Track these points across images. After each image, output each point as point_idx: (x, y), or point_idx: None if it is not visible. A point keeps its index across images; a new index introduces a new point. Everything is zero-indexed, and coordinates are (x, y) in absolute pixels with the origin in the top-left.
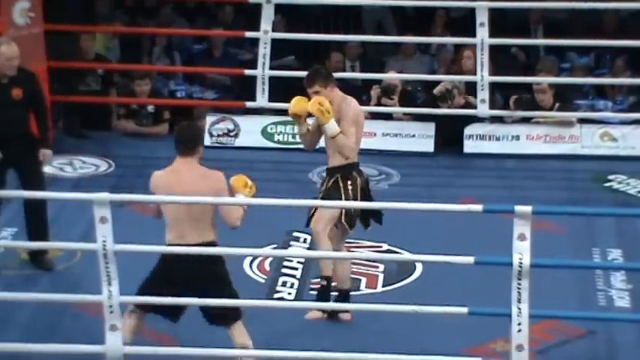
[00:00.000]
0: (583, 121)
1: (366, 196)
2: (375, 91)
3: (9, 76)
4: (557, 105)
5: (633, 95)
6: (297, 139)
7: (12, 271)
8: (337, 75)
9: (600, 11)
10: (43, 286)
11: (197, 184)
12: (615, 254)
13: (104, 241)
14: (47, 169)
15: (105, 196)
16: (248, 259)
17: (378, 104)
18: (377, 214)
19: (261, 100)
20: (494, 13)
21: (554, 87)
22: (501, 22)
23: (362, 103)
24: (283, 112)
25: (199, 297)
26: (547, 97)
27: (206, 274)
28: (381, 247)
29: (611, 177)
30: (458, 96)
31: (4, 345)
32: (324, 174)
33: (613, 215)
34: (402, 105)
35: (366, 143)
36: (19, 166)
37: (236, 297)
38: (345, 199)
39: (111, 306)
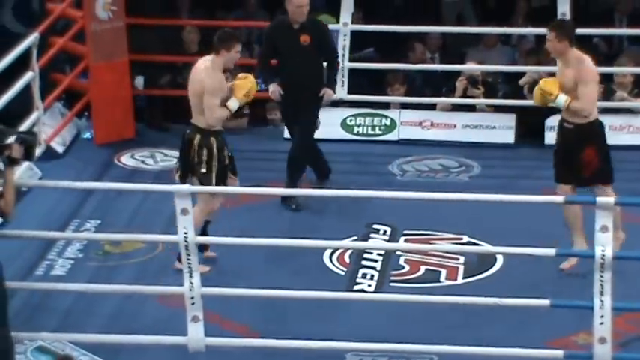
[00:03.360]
0: None
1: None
2: (461, 82)
3: (299, 22)
4: (635, 91)
5: None
6: (377, 131)
7: (95, 262)
8: (419, 66)
9: None
10: (125, 278)
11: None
12: None
13: (185, 233)
14: (129, 162)
15: (186, 188)
16: (328, 252)
17: (464, 95)
18: None
19: (341, 92)
20: (577, 3)
21: (634, 78)
22: (584, 11)
23: (443, 94)
24: (363, 104)
25: None
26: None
27: None
28: (461, 239)
29: None
30: None
31: (87, 336)
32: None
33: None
34: (483, 96)
35: (446, 135)
36: (299, 114)
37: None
38: None
39: (192, 297)
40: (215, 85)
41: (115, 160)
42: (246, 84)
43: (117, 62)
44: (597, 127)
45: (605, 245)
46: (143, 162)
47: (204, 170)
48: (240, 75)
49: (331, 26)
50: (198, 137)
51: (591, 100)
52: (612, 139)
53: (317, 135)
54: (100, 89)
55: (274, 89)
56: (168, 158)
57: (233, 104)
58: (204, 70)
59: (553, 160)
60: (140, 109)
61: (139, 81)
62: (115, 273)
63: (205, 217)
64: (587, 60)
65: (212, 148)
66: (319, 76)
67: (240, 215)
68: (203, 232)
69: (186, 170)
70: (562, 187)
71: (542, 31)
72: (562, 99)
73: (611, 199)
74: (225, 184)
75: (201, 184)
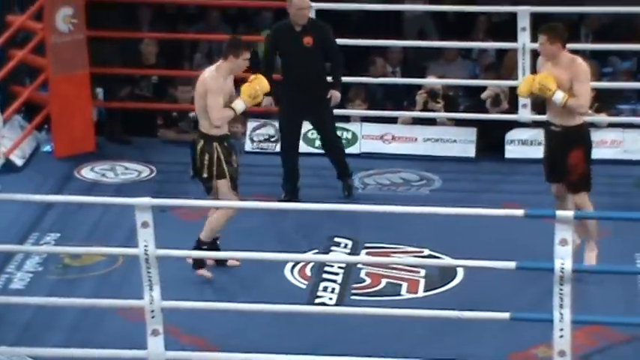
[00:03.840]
0: (626, 126)
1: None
2: (421, 96)
3: (301, 24)
4: (595, 105)
5: None
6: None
7: (55, 276)
8: (380, 80)
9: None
10: (85, 291)
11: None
12: None
13: (146, 246)
14: (89, 175)
15: (146, 200)
16: (289, 265)
17: (424, 109)
18: None
19: None
20: (537, 18)
21: (595, 92)
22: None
23: (404, 108)
24: None
25: None
26: None
27: None
28: (422, 252)
29: None
30: (504, 101)
31: (46, 350)
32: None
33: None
34: (444, 110)
35: (408, 148)
36: (314, 115)
37: None
38: None
39: (152, 311)
40: (218, 85)
41: (75, 173)
42: (254, 86)
43: (77, 75)
44: (585, 131)
45: (564, 258)
46: (103, 175)
47: (205, 175)
48: (251, 77)
49: None
50: (201, 142)
51: (588, 97)
52: None
53: (278, 149)
54: (60, 102)
55: (267, 103)
56: (129, 171)
57: (239, 105)
58: (209, 73)
59: (543, 162)
60: (100, 121)
61: (99, 94)
62: (74, 286)
63: (227, 219)
64: (580, 59)
65: (213, 154)
66: (324, 77)
67: (201, 227)
68: (214, 247)
69: (197, 174)
70: (553, 186)
71: (502, 45)
72: (560, 95)
73: (570, 213)
74: (236, 188)
75: (205, 188)
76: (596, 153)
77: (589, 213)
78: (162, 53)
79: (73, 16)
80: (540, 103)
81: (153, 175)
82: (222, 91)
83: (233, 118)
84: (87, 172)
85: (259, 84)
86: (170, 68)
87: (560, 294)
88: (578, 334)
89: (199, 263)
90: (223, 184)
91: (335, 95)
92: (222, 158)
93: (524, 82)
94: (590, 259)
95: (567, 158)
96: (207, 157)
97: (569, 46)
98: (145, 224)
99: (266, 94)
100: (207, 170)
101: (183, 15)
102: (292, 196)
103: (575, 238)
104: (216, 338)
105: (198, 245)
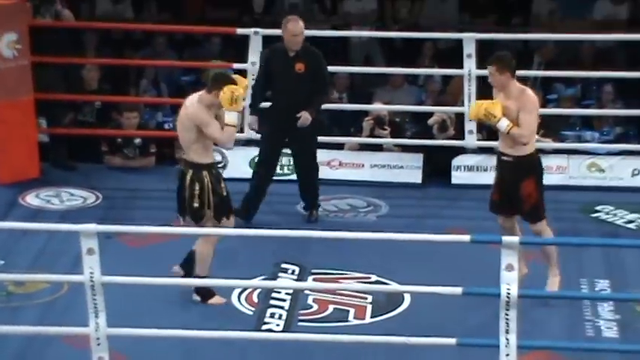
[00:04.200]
0: (571, 152)
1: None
2: (367, 123)
3: (294, 50)
4: (541, 132)
5: (620, 126)
6: (286, 170)
7: None
8: (326, 106)
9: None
10: (30, 319)
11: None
12: (603, 285)
13: (91, 273)
14: (34, 202)
15: (92, 227)
16: (237, 292)
17: (371, 135)
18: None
19: (249, 132)
20: (483, 45)
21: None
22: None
23: (351, 134)
24: None
25: None
26: None
27: None
28: (369, 277)
29: (598, 207)
30: (450, 127)
31: None
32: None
33: (600, 246)
34: (391, 136)
35: (355, 174)
36: (296, 142)
37: None
38: None
39: (98, 338)
40: (207, 115)
41: (19, 199)
42: (227, 93)
43: (21, 101)
44: (536, 161)
45: (510, 284)
46: (48, 201)
47: (196, 205)
48: (224, 89)
49: (237, 65)
50: (190, 172)
51: (532, 128)
52: None
53: (225, 174)
54: (4, 128)
55: (252, 122)
56: (74, 197)
57: (231, 118)
58: (193, 107)
59: (492, 192)
60: (45, 147)
61: (43, 120)
62: (18, 314)
63: (213, 247)
64: (529, 90)
65: (204, 182)
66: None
67: (147, 254)
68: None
69: (182, 208)
70: (500, 218)
71: (448, 71)
72: (505, 123)
73: (515, 239)
74: (227, 217)
75: (194, 218)
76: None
77: (537, 239)
78: (106, 79)
79: (17, 42)
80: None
81: (98, 201)
82: (212, 118)
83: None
84: (32, 199)
85: (229, 89)
86: (115, 94)
87: (507, 319)
88: (524, 359)
89: (206, 294)
90: (210, 215)
91: (305, 116)
92: (210, 187)
93: (472, 107)
94: (553, 284)
95: (520, 188)
96: (197, 186)
97: (519, 72)
98: (90, 251)
99: (251, 114)
100: (197, 199)
101: (130, 40)
102: (247, 214)
103: (522, 267)
104: (138, 356)
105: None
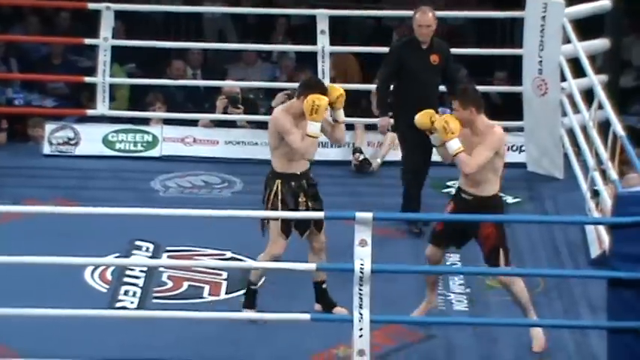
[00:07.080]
0: None
1: None
2: (221, 101)
3: (427, 42)
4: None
5: None
6: (139, 147)
7: None
8: (179, 82)
9: None
10: None
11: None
12: (454, 259)
13: None
14: None
15: None
16: (89, 269)
17: (224, 114)
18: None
19: (102, 107)
20: (336, 21)
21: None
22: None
23: (205, 110)
24: (124, 120)
25: None
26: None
27: None
28: (224, 254)
29: (449, 183)
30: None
31: None
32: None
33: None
34: (244, 113)
35: (209, 151)
36: None
37: None
38: None
39: None
40: (289, 123)
41: None
42: (309, 102)
43: None
44: (498, 202)
45: (364, 259)
46: None
47: (265, 207)
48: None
49: (89, 41)
50: (267, 177)
51: (480, 162)
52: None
53: (78, 152)
54: None
55: (385, 123)
56: None
57: (311, 129)
58: (276, 111)
59: (439, 225)
60: None
61: None
62: None
63: (270, 258)
64: (498, 128)
65: (272, 190)
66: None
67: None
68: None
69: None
70: (431, 248)
71: (301, 48)
72: (456, 145)
73: (369, 215)
74: (289, 232)
75: (262, 225)
76: (396, 155)
77: (390, 214)
78: None
79: None
80: None
81: None
82: (293, 125)
83: (34, 123)
84: None
85: (316, 97)
86: None
87: (360, 294)
88: (376, 333)
89: (249, 304)
90: (273, 226)
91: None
92: (279, 197)
93: (422, 114)
94: (538, 342)
95: (478, 228)
96: (267, 190)
97: (361, 48)
98: None
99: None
100: (264, 203)
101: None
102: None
103: (433, 300)
104: (16, 344)
105: (248, 285)
